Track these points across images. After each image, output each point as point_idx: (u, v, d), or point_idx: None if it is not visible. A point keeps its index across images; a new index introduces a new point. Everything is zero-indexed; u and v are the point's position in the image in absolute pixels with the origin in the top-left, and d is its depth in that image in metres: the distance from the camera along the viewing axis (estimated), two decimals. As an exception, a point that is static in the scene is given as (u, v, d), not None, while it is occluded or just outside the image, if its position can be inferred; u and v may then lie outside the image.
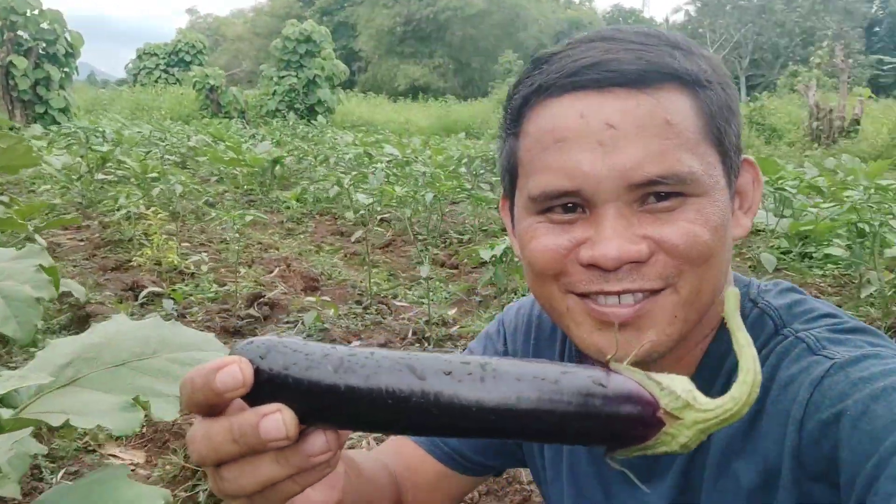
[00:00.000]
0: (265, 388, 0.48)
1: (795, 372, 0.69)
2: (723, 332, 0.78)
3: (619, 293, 0.69)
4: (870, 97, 17.76)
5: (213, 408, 0.49)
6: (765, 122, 18.81)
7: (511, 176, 0.79)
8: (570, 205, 0.71)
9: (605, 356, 0.68)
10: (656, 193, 0.68)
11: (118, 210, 5.94)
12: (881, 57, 41.50)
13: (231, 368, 0.47)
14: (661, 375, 0.49)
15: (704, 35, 44.58)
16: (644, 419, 0.48)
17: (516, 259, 1.81)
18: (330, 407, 0.48)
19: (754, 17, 45.35)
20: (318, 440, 0.50)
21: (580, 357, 0.84)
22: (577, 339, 0.74)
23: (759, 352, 0.69)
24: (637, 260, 0.68)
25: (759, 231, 6.14)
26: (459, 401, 0.47)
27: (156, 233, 5.14)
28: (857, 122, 16.91)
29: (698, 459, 0.76)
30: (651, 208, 0.69)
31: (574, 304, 0.73)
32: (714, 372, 0.77)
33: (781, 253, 5.51)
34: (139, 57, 34.91)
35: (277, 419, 0.47)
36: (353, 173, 7.95)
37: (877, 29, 48.46)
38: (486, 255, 4.08)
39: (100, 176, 8.00)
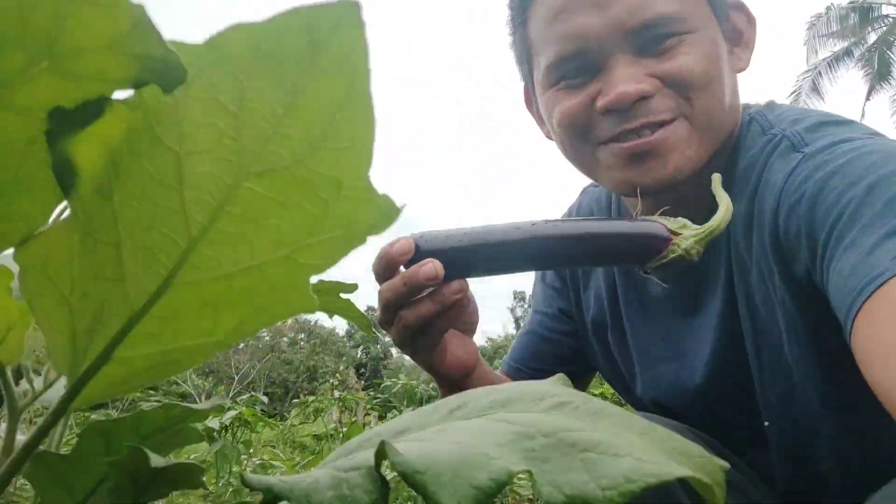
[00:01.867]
0: (423, 255, 0.74)
1: (777, 167, 0.74)
2: (734, 156, 0.82)
3: (637, 128, 0.76)
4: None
5: (391, 272, 0.75)
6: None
7: (527, 59, 0.87)
8: (580, 68, 0.79)
9: (636, 187, 0.78)
10: (652, 38, 0.75)
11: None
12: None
13: (402, 242, 0.74)
14: (664, 218, 0.74)
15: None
16: (658, 235, 0.72)
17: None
18: (461, 261, 0.75)
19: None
20: (455, 283, 0.74)
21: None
22: (610, 180, 0.82)
23: (750, 152, 0.79)
24: (646, 95, 0.75)
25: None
26: (543, 234, 0.74)
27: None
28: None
29: (726, 280, 0.81)
30: (650, 52, 0.76)
31: (602, 152, 0.80)
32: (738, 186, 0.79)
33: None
34: None
35: (430, 265, 0.72)
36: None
37: (363, 370, 53.27)
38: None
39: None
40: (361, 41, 0.25)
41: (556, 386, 0.40)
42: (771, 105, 0.86)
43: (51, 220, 0.29)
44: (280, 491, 0.32)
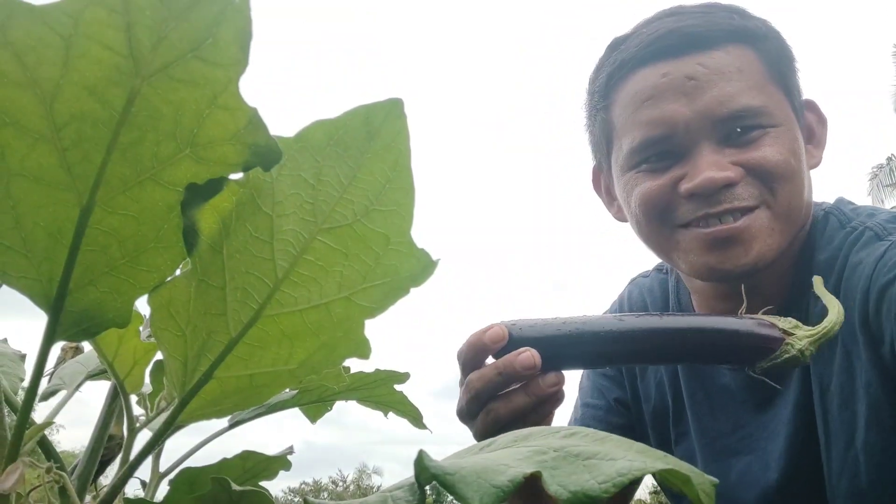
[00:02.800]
0: (515, 343, 0.72)
1: (864, 255, 0.78)
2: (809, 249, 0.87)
3: (720, 213, 0.80)
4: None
5: (480, 361, 0.73)
6: None
7: (606, 143, 0.91)
8: (664, 153, 0.83)
9: (716, 273, 0.82)
10: (737, 129, 0.80)
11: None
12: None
13: (495, 329, 0.73)
14: (773, 317, 0.74)
15: None
16: (771, 335, 0.71)
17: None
18: (558, 352, 0.73)
19: None
20: (551, 375, 0.71)
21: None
22: (688, 264, 0.84)
23: (832, 244, 0.84)
24: (730, 183, 0.79)
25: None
26: (649, 328, 0.74)
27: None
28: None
29: (803, 370, 0.83)
30: (735, 142, 0.80)
31: (682, 235, 0.83)
32: (803, 287, 0.83)
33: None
34: None
35: (528, 354, 0.69)
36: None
37: None
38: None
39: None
40: (404, 128, 0.36)
41: (570, 425, 0.46)
42: (842, 200, 0.92)
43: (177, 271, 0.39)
44: (337, 509, 0.39)
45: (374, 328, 0.44)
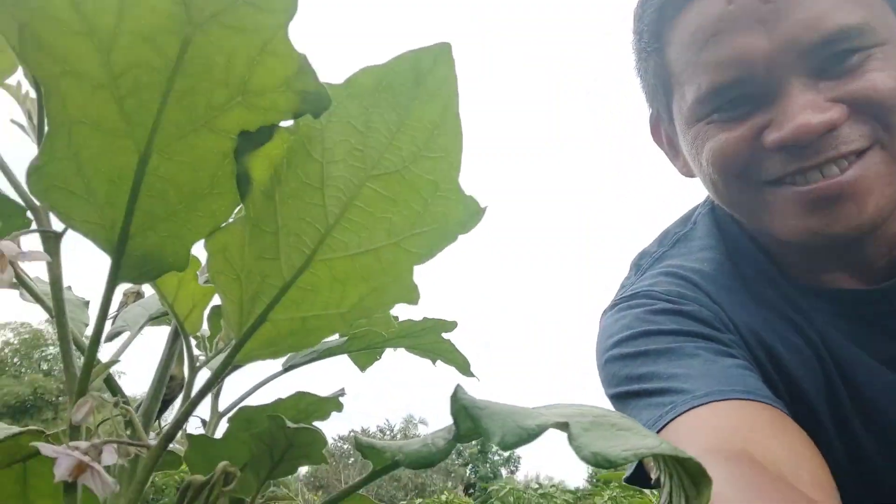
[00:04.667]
0: None
1: None
2: None
3: (820, 164, 0.64)
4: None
5: None
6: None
7: (664, 91, 0.75)
8: (739, 98, 0.67)
9: (822, 237, 0.66)
10: (834, 56, 0.63)
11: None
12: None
13: None
14: None
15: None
16: None
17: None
18: None
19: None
20: None
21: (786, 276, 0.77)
22: (784, 229, 0.69)
23: None
24: (832, 127, 0.63)
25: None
26: None
27: None
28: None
29: None
30: (832, 72, 0.64)
31: (772, 195, 0.68)
32: None
33: None
34: None
35: None
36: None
37: (471, 490, 51.92)
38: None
39: None
40: (452, 73, 0.35)
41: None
42: None
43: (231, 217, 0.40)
44: (382, 448, 0.41)
45: (428, 278, 0.45)
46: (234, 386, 0.66)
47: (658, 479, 0.42)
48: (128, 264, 0.38)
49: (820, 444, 0.60)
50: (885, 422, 0.73)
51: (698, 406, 0.61)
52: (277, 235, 0.39)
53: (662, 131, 0.84)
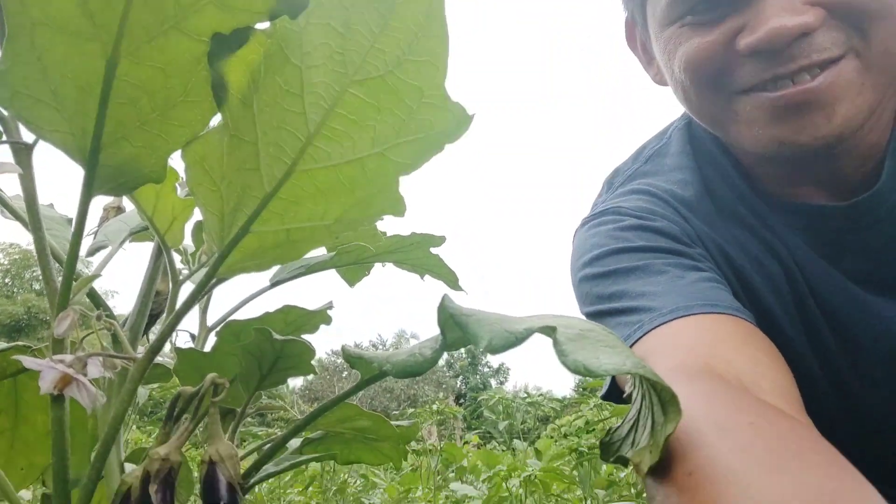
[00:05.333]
0: None
1: None
2: None
3: (792, 73, 0.61)
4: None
5: None
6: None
7: None
8: (711, 0, 0.64)
9: (787, 147, 0.64)
10: None
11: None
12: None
13: None
14: None
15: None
16: None
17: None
18: None
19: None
20: None
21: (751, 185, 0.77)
22: (751, 139, 0.66)
23: None
24: (808, 30, 0.60)
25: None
26: None
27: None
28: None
29: None
30: None
31: (742, 103, 0.66)
32: None
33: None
34: None
35: None
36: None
37: (462, 400, 54.06)
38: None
39: None
40: (436, -30, 0.33)
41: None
42: None
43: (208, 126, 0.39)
44: (369, 358, 0.41)
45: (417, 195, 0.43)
46: (223, 301, 0.66)
47: (630, 395, 0.43)
48: (102, 175, 0.36)
49: (793, 363, 0.60)
50: (855, 338, 0.73)
51: (663, 324, 0.61)
52: (257, 145, 0.38)
53: (637, 36, 0.81)
